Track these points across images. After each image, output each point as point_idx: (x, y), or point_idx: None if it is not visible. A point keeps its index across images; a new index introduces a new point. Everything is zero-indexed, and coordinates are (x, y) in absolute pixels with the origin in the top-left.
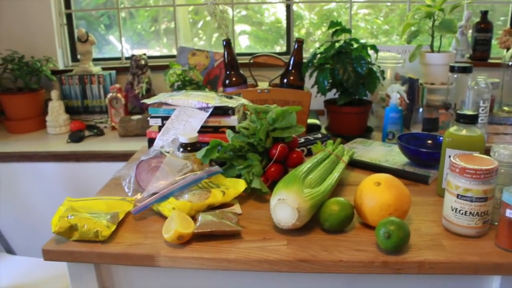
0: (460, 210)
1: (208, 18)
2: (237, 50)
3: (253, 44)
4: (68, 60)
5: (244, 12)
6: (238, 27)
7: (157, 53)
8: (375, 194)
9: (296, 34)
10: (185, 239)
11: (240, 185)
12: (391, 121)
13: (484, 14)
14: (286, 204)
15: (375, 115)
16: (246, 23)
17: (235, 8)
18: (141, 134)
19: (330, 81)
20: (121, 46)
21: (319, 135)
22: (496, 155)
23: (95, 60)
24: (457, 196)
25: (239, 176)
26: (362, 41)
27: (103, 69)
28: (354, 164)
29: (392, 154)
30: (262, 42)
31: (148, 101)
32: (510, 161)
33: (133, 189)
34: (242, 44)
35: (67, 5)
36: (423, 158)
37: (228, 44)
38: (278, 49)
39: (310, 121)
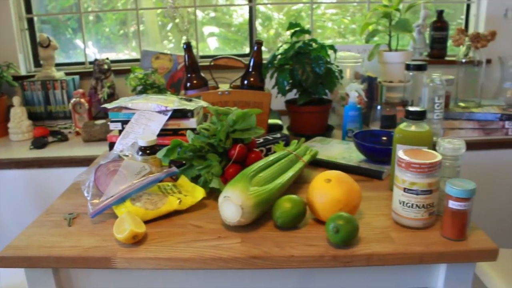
0: (407, 203)
1: (177, 20)
2: (205, 52)
3: (222, 45)
4: (30, 66)
5: (212, 14)
6: (207, 29)
7: (126, 56)
8: (326, 190)
9: (265, 35)
10: (139, 238)
11: (198, 193)
12: (350, 119)
13: (440, 13)
14: (230, 201)
15: (336, 114)
16: (215, 25)
17: (204, 10)
18: (105, 139)
19: (290, 81)
20: (84, 51)
21: (278, 135)
22: (441, 149)
23: (59, 65)
24: (404, 189)
25: (198, 176)
26: (329, 40)
27: (67, 74)
28: (313, 163)
29: (349, 152)
30: (231, 44)
31: (108, 105)
32: (454, 155)
33: (92, 193)
34: (211, 46)
35: (28, 9)
36: (377, 155)
37: (188, 48)
38: (247, 50)
39: (271, 121)
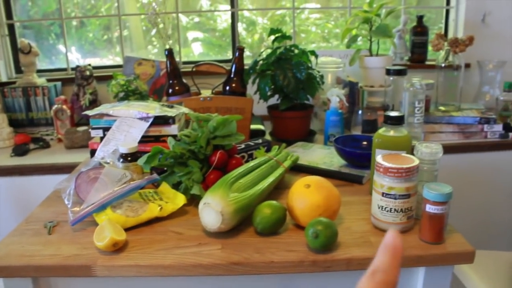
0: (385, 208)
1: (161, 25)
2: (190, 57)
3: (206, 51)
4: (11, 72)
5: (197, 19)
6: (191, 34)
7: (110, 62)
8: (305, 196)
9: (249, 40)
10: (119, 246)
11: (179, 200)
12: (332, 124)
13: (420, 18)
14: (210, 208)
15: (318, 119)
16: (199, 30)
17: (188, 15)
18: (88, 146)
19: (272, 87)
20: (66, 57)
21: (260, 141)
22: (418, 153)
23: (41, 71)
24: (382, 194)
25: (179, 183)
26: (313, 45)
27: (49, 80)
28: (294, 168)
29: (330, 156)
30: (216, 49)
31: (89, 112)
32: (432, 159)
33: (73, 201)
34: (196, 51)
35: (9, 15)
36: (357, 159)
37: (170, 54)
38: (231, 55)
39: (254, 126)
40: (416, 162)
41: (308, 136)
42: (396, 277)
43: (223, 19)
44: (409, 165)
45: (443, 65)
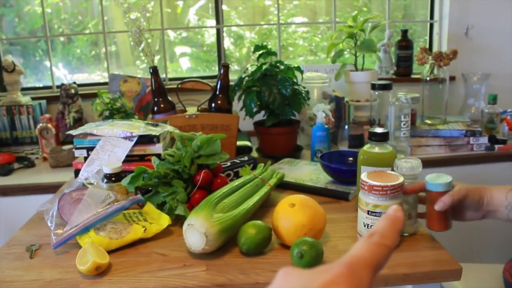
0: (371, 226)
1: (150, 40)
2: (178, 72)
3: (194, 65)
4: None
5: (184, 34)
6: (179, 49)
7: (98, 77)
8: (290, 215)
9: (237, 55)
10: (102, 269)
11: (163, 221)
12: (318, 139)
13: (404, 32)
14: (194, 229)
15: (305, 134)
16: (187, 45)
17: (176, 30)
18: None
19: (258, 103)
20: (52, 75)
21: (246, 158)
22: (398, 169)
23: (25, 89)
24: (368, 212)
25: (164, 203)
26: (301, 58)
27: (34, 98)
28: (280, 185)
29: (317, 173)
30: (203, 63)
31: (73, 132)
32: (412, 173)
33: (56, 223)
34: (184, 66)
35: None
36: (343, 175)
37: (155, 72)
38: None
39: (240, 143)
40: (401, 179)
41: (295, 152)
42: (392, 243)
43: (211, 34)
44: (393, 182)
45: (428, 78)
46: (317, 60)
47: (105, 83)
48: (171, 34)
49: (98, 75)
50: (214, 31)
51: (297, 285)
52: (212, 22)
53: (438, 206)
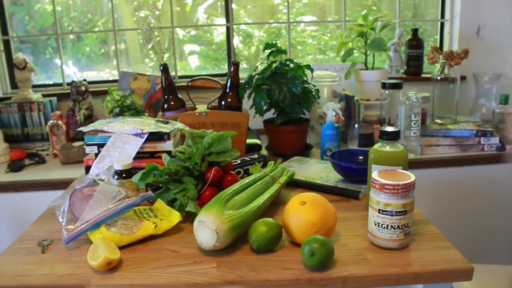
0: (382, 224)
1: (158, 38)
2: (187, 70)
3: (203, 63)
4: (7, 87)
5: (193, 32)
6: (188, 47)
7: (107, 75)
8: (301, 213)
9: (246, 53)
10: (113, 265)
11: (174, 217)
12: (328, 138)
13: (415, 31)
14: (205, 226)
15: (314, 132)
16: (196, 43)
17: (185, 28)
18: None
19: (268, 101)
20: (62, 73)
21: (256, 156)
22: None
23: (36, 86)
24: (379, 211)
25: (174, 200)
26: (310, 57)
27: (44, 95)
28: (290, 183)
29: (327, 171)
30: (212, 62)
31: (84, 129)
32: None
33: (67, 218)
34: (192, 64)
35: (4, 31)
36: (353, 174)
37: (165, 69)
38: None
39: (250, 140)
40: (413, 178)
41: (304, 150)
42: None
43: (220, 32)
44: (405, 181)
45: (438, 78)
46: (326, 59)
47: (114, 81)
48: (180, 32)
49: (107, 73)
50: (223, 29)
51: None
52: (220, 20)
53: None
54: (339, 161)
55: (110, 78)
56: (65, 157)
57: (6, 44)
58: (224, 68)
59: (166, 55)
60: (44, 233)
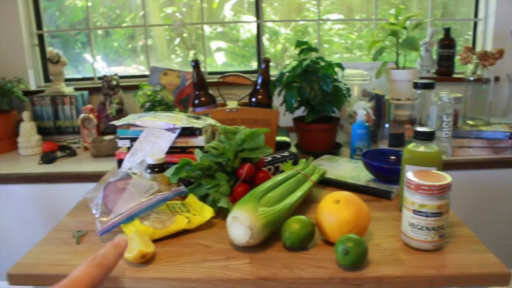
0: (417, 225)
1: (185, 35)
2: (213, 67)
3: (230, 60)
4: (40, 81)
5: (220, 29)
6: (214, 44)
7: (135, 71)
8: (335, 211)
9: (272, 50)
10: (148, 258)
11: (207, 213)
12: (358, 137)
13: (447, 31)
14: (239, 222)
15: (344, 131)
16: (222, 40)
17: (211, 25)
18: (113, 155)
19: (298, 99)
20: (93, 67)
21: (287, 153)
22: None
23: (68, 80)
24: (414, 211)
25: (206, 196)
26: (337, 55)
27: (76, 89)
28: (321, 182)
29: (357, 170)
30: (239, 59)
31: (116, 122)
32: None
33: (101, 211)
34: (218, 61)
35: (39, 25)
36: (385, 174)
37: (196, 65)
38: (255, 65)
39: (279, 138)
40: (449, 179)
41: (333, 149)
42: (111, 264)
43: (246, 29)
44: (441, 182)
45: (471, 78)
46: (353, 58)
47: (142, 76)
48: (206, 29)
49: (134, 68)
50: (250, 26)
51: None
52: (247, 17)
53: None
54: (371, 160)
55: (137, 73)
56: (95, 150)
57: (40, 38)
58: (251, 65)
59: (192, 52)
60: (78, 225)
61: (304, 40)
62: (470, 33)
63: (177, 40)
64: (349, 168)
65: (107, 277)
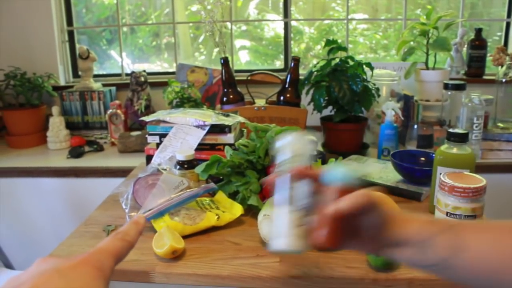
0: None
1: (209, 33)
2: (236, 65)
3: (253, 59)
4: (69, 76)
5: (244, 27)
6: (238, 42)
7: (158, 68)
8: None
9: (296, 50)
10: (178, 253)
11: (236, 210)
12: (386, 138)
13: (478, 31)
14: (270, 220)
15: (371, 132)
16: (246, 38)
17: (236, 23)
18: (140, 150)
19: (326, 98)
20: (121, 63)
21: (315, 153)
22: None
23: (96, 76)
24: (447, 214)
25: (236, 193)
26: (361, 56)
27: (104, 85)
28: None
29: (386, 171)
30: (262, 57)
31: (146, 118)
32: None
33: (131, 205)
34: (242, 59)
35: (69, 22)
36: (415, 176)
37: (225, 62)
38: (278, 64)
39: None
40: (484, 182)
41: (361, 149)
42: (133, 239)
43: (271, 28)
44: (476, 185)
45: (504, 80)
46: (377, 58)
47: (168, 73)
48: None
49: (158, 65)
50: (274, 25)
51: (49, 267)
52: (271, 16)
53: (329, 210)
54: (400, 161)
55: (161, 71)
56: (123, 145)
57: (71, 34)
58: (275, 64)
59: (216, 49)
60: (108, 219)
61: (334, 39)
62: (500, 33)
63: (201, 38)
64: (377, 169)
65: (129, 251)
